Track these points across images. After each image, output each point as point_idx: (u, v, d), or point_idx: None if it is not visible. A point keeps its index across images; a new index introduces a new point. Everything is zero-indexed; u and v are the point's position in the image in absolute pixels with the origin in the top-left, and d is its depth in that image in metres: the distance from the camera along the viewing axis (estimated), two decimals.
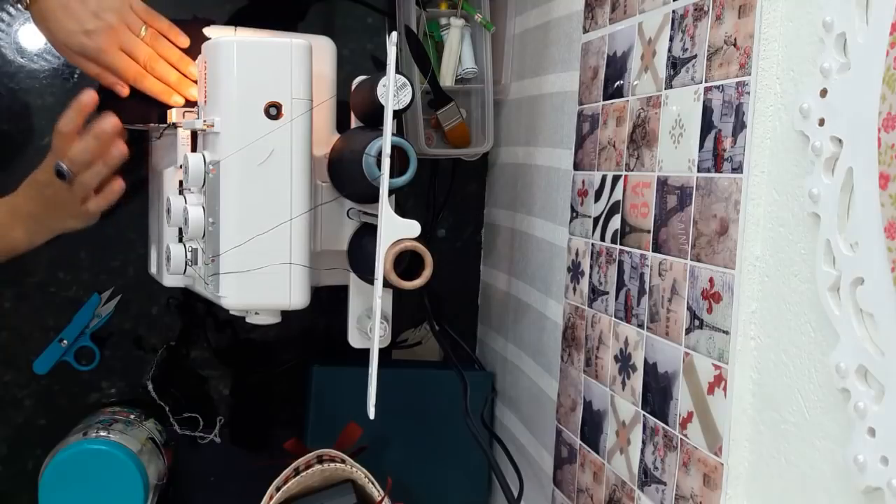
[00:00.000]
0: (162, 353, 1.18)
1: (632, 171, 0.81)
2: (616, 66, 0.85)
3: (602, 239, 0.87)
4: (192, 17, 1.07)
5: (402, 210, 0.91)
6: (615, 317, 0.84)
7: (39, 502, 1.00)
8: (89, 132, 0.97)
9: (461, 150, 1.18)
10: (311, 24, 1.18)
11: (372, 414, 0.77)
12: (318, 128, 0.90)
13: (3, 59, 1.11)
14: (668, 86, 0.75)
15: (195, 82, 1.00)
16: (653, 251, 0.77)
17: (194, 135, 0.95)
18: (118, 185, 1.00)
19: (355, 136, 0.89)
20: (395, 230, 0.79)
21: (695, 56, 0.71)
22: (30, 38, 1.11)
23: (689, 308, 0.71)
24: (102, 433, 1.04)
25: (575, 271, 0.93)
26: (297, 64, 0.85)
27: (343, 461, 1.05)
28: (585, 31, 0.92)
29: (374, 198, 0.80)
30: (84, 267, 1.15)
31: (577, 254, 0.93)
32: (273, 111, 0.84)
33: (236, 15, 1.15)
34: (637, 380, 0.79)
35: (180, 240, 0.94)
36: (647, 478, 0.77)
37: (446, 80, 1.16)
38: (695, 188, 0.71)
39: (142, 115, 1.01)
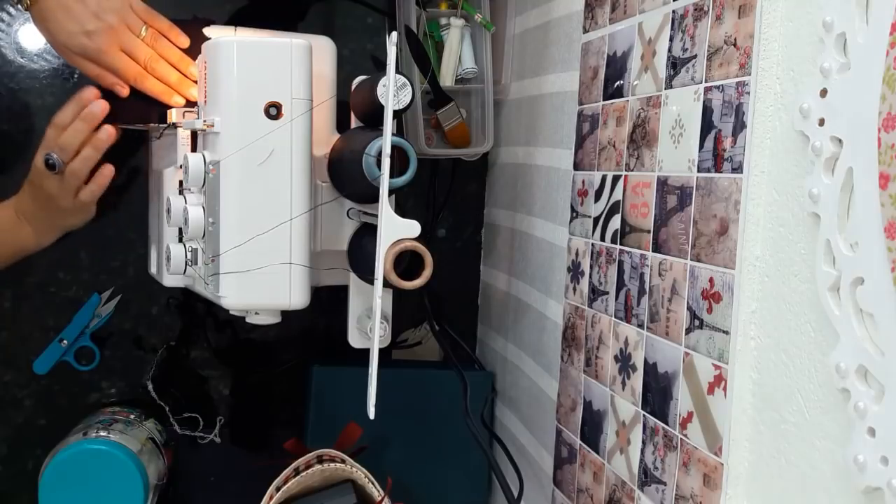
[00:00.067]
0: (162, 353, 1.18)
1: (632, 171, 0.81)
2: (616, 66, 0.85)
3: (602, 239, 0.87)
4: (192, 17, 1.07)
5: (402, 210, 0.91)
6: (615, 317, 0.84)
7: (39, 502, 1.00)
8: (78, 118, 0.97)
9: (461, 150, 1.18)
10: (311, 24, 1.18)
11: (372, 414, 0.77)
12: (318, 128, 0.90)
13: (3, 59, 1.11)
14: (668, 86, 0.75)
15: (195, 82, 1.00)
16: (653, 251, 0.77)
17: (194, 135, 0.95)
18: (108, 170, 1.00)
19: (355, 136, 0.89)
20: (395, 230, 0.79)
21: (695, 56, 0.71)
22: (30, 38, 1.11)
23: (689, 308, 0.71)
24: (102, 433, 1.04)
25: (575, 271, 0.93)
26: (297, 64, 0.85)
27: (343, 461, 1.05)
28: (585, 31, 0.92)
29: (374, 198, 0.80)
30: (84, 267, 1.15)
31: (577, 254, 0.93)
32: (273, 111, 0.84)
33: (236, 15, 1.15)
34: (637, 380, 0.79)
35: (180, 240, 0.94)
36: (647, 478, 0.77)
37: (446, 80, 1.16)
38: (695, 188, 0.71)
39: (142, 115, 1.01)
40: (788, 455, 0.62)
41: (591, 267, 0.89)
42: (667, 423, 0.74)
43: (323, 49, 0.97)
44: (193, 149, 0.94)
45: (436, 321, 1.17)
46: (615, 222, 0.84)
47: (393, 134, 0.78)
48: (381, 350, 0.80)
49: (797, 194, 0.61)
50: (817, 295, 0.58)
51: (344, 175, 0.90)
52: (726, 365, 0.66)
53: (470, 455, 1.16)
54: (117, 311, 1.16)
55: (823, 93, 0.58)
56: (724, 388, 0.67)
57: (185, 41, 1.01)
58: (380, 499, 1.02)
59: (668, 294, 0.74)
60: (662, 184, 0.76)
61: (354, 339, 1.01)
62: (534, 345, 1.07)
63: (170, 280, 0.99)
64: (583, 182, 0.92)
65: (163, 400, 1.16)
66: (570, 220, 0.95)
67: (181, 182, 0.95)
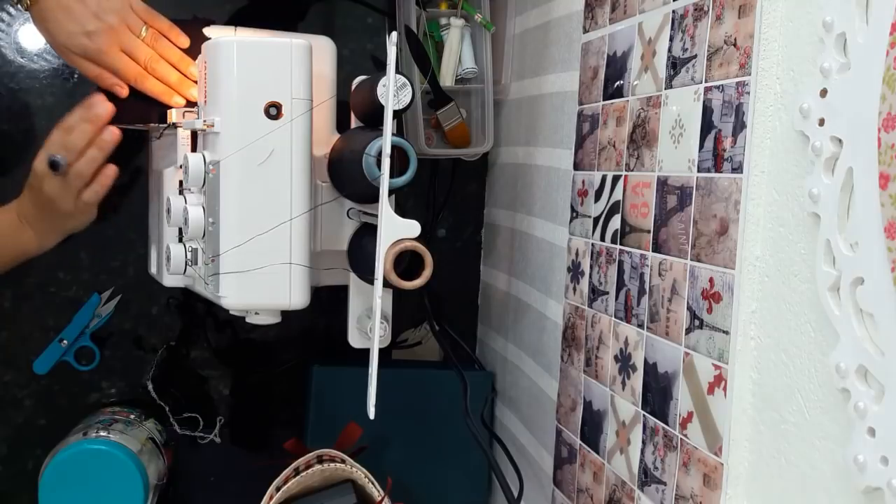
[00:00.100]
0: (162, 353, 1.18)
1: (632, 171, 0.81)
2: (616, 66, 0.85)
3: (602, 239, 0.87)
4: (192, 17, 1.07)
5: (402, 210, 0.91)
6: (615, 317, 0.84)
7: (39, 502, 1.00)
8: (82, 118, 0.97)
9: (461, 150, 1.18)
10: (311, 24, 1.18)
11: (372, 414, 0.77)
12: (318, 128, 0.90)
13: (3, 59, 1.11)
14: (668, 86, 0.75)
15: (196, 83, 1.00)
16: (653, 251, 0.77)
17: (194, 135, 0.95)
18: (111, 171, 1.00)
19: (355, 136, 0.89)
20: (395, 230, 0.79)
21: (695, 56, 0.71)
22: (30, 38, 1.11)
23: (689, 308, 0.71)
24: (102, 433, 1.04)
25: (575, 271, 0.93)
26: (297, 64, 0.85)
27: (343, 461, 1.05)
28: (585, 31, 0.92)
29: (374, 198, 0.80)
30: (84, 267, 1.15)
31: (577, 254, 0.93)
32: (273, 111, 0.84)
33: (236, 15, 1.15)
34: (637, 380, 0.79)
35: (180, 240, 0.94)
36: (647, 478, 0.77)
37: (446, 80, 1.16)
38: (695, 188, 0.71)
39: (142, 115, 1.01)
40: (788, 455, 0.62)
41: (591, 267, 0.89)
42: (667, 423, 0.74)
43: (323, 49, 0.97)
44: (193, 149, 0.94)
45: (436, 321, 1.17)
46: (615, 222, 0.84)
47: (393, 134, 0.78)
48: (381, 350, 0.80)
49: (797, 194, 0.61)
50: (817, 295, 0.58)
51: (344, 175, 0.90)
52: (726, 365, 0.66)
53: (470, 455, 1.16)
54: (117, 311, 1.16)
55: (823, 93, 0.58)
56: (724, 388, 0.67)
57: (185, 41, 1.01)
58: (380, 499, 1.02)
59: (668, 294, 0.74)
60: (662, 184, 0.76)
61: (354, 339, 1.01)
62: (534, 345, 1.07)
63: (170, 280, 0.99)
64: (583, 182, 0.92)
65: (163, 400, 1.16)
66: (570, 220, 0.95)
67: (181, 182, 0.95)
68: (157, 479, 1.08)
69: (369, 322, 0.97)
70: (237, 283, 0.85)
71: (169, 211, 0.90)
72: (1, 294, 1.14)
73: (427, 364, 1.26)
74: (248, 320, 0.92)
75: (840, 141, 0.56)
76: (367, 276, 0.90)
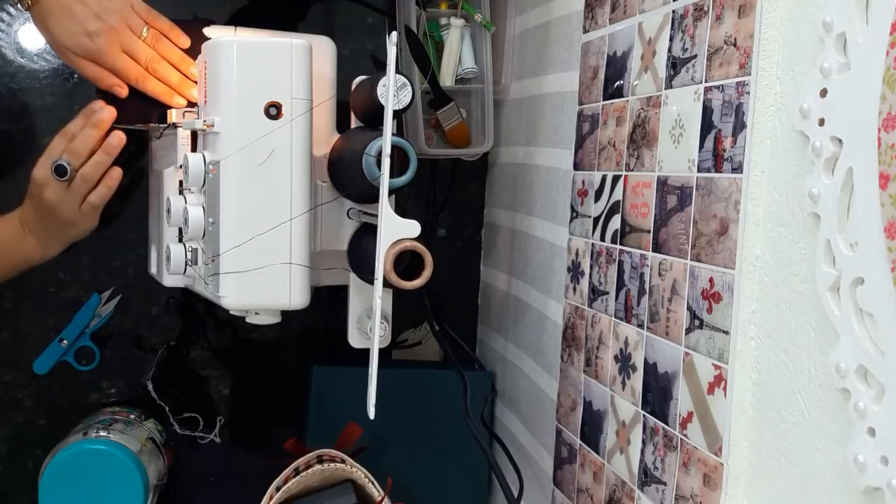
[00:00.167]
0: (162, 353, 1.18)
1: (632, 171, 0.81)
2: (616, 66, 0.85)
3: (602, 239, 0.87)
4: (192, 17, 1.08)
5: (402, 210, 0.91)
6: (615, 317, 0.84)
7: (39, 502, 1.00)
8: (87, 124, 0.98)
9: (461, 150, 1.18)
10: (311, 24, 1.18)
11: (372, 414, 0.77)
12: (318, 128, 0.90)
13: (3, 59, 1.11)
14: (668, 86, 0.75)
15: (196, 83, 1.00)
16: (653, 251, 0.77)
17: (194, 135, 0.95)
18: (117, 173, 1.01)
19: (355, 136, 0.89)
20: (395, 230, 0.79)
21: (695, 56, 0.71)
22: (30, 38, 1.11)
23: (689, 308, 0.71)
24: (102, 433, 1.04)
25: (575, 271, 0.93)
26: (297, 64, 0.85)
27: (343, 461, 1.05)
28: (585, 31, 0.92)
29: (374, 198, 0.80)
30: (84, 267, 1.15)
31: (577, 254, 0.93)
32: (273, 111, 0.84)
33: (236, 15, 1.15)
34: (637, 380, 0.79)
35: (180, 240, 0.94)
36: (647, 478, 0.77)
37: (446, 80, 1.16)
38: (695, 188, 0.71)
39: (142, 115, 1.01)
40: (788, 455, 0.62)
41: (591, 267, 0.89)
42: (667, 423, 0.74)
43: (323, 49, 0.97)
44: (193, 149, 0.94)
45: (436, 321, 1.17)
46: (615, 222, 0.84)
47: (393, 134, 0.78)
48: (381, 350, 0.80)
49: (797, 194, 0.61)
50: (817, 295, 0.58)
51: (344, 175, 0.90)
52: (726, 365, 0.67)
53: (470, 455, 1.16)
54: (117, 311, 1.16)
55: (823, 93, 0.58)
56: (724, 388, 0.67)
57: (186, 42, 1.01)
58: (380, 499, 1.02)
59: (668, 294, 0.74)
60: (662, 184, 0.76)
61: (354, 339, 1.01)
62: (534, 345, 1.07)
63: (170, 280, 0.99)
64: (583, 182, 0.92)
65: (163, 400, 1.16)
66: (570, 220, 0.95)
67: (181, 182, 0.95)
68: (157, 479, 1.08)
69: (369, 322, 0.97)
70: (237, 283, 0.85)
71: (169, 211, 0.90)
72: (1, 294, 1.14)
73: (427, 364, 1.26)
74: (248, 320, 0.92)
75: (840, 141, 0.56)
76: (367, 276, 0.90)
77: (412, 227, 0.79)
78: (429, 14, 1.16)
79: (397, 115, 0.85)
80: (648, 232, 0.78)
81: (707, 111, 0.69)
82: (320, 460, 1.06)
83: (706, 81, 0.70)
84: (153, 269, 1.10)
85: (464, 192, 1.27)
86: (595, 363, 0.88)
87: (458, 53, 1.16)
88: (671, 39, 0.75)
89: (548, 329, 1.02)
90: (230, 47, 0.85)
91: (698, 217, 0.70)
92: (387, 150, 0.77)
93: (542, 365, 1.04)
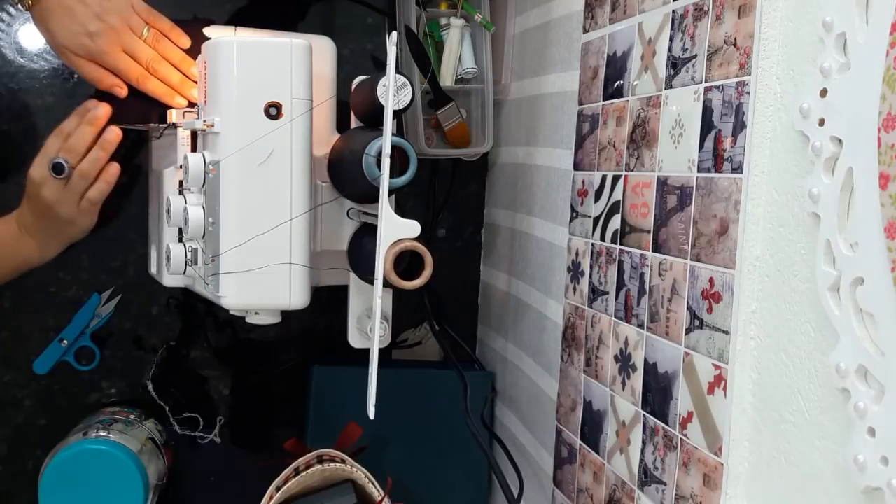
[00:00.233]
0: (162, 353, 1.18)
1: (632, 171, 0.81)
2: (616, 66, 0.85)
3: (602, 239, 0.87)
4: (192, 17, 1.08)
5: (402, 210, 0.91)
6: (615, 317, 0.84)
7: (39, 502, 1.00)
8: (82, 121, 0.98)
9: (461, 150, 1.18)
10: (311, 24, 1.18)
11: (372, 414, 0.77)
12: (318, 128, 0.90)
13: (3, 59, 1.11)
14: (668, 86, 0.75)
15: (197, 83, 1.00)
16: (653, 251, 0.77)
17: (194, 135, 0.95)
18: (115, 168, 1.01)
19: (355, 136, 0.89)
20: (395, 230, 0.79)
21: (695, 56, 0.71)
22: (30, 38, 1.11)
23: (689, 308, 0.71)
24: (102, 433, 1.04)
25: (575, 271, 0.93)
26: (297, 64, 0.85)
27: (343, 461, 1.05)
28: (585, 31, 0.92)
29: (374, 198, 0.80)
30: (84, 267, 1.15)
31: (577, 254, 0.93)
32: (273, 111, 0.84)
33: (236, 15, 1.15)
34: (637, 380, 0.79)
35: (180, 240, 0.94)
36: (647, 478, 0.77)
37: (446, 80, 1.16)
38: (695, 188, 0.71)
39: (142, 115, 1.01)
40: (788, 455, 0.62)
41: (591, 267, 0.89)
42: (667, 423, 0.74)
43: (323, 49, 0.97)
44: (193, 149, 0.94)
45: (436, 321, 1.17)
46: (615, 222, 0.84)
47: (393, 134, 0.78)
48: (381, 350, 0.80)
49: (797, 194, 0.61)
50: (817, 295, 0.58)
51: (344, 175, 0.90)
52: (726, 365, 0.66)
53: (470, 455, 1.16)
54: (117, 311, 1.16)
55: (823, 93, 0.58)
56: (724, 388, 0.67)
57: (186, 42, 1.01)
58: (380, 499, 1.02)
59: (668, 294, 0.74)
60: (662, 184, 0.76)
61: (354, 339, 1.01)
62: (534, 345, 1.07)
63: (170, 280, 0.99)
64: (583, 182, 0.92)
65: (163, 400, 1.16)
66: (570, 220, 0.95)
67: (181, 182, 0.95)
68: (157, 479, 1.08)
69: (369, 322, 0.97)
70: (237, 283, 0.85)
71: (169, 211, 0.90)
72: (1, 294, 1.14)
73: (427, 364, 1.26)
74: (248, 320, 0.92)
75: (840, 141, 0.56)
76: (367, 276, 0.90)
77: (412, 227, 0.79)
78: (429, 14, 1.16)
79: (397, 115, 0.85)
80: (648, 232, 0.78)
81: (707, 111, 0.69)
82: (320, 460, 1.06)
83: (706, 81, 0.70)
84: (153, 269, 1.10)
85: (464, 192, 1.27)
86: (595, 363, 0.88)
87: (458, 53, 1.16)
88: (671, 39, 0.75)
89: (548, 329, 1.02)
90: (230, 47, 0.85)
91: (698, 217, 0.70)
92: (387, 150, 0.77)
93: (542, 365, 1.04)
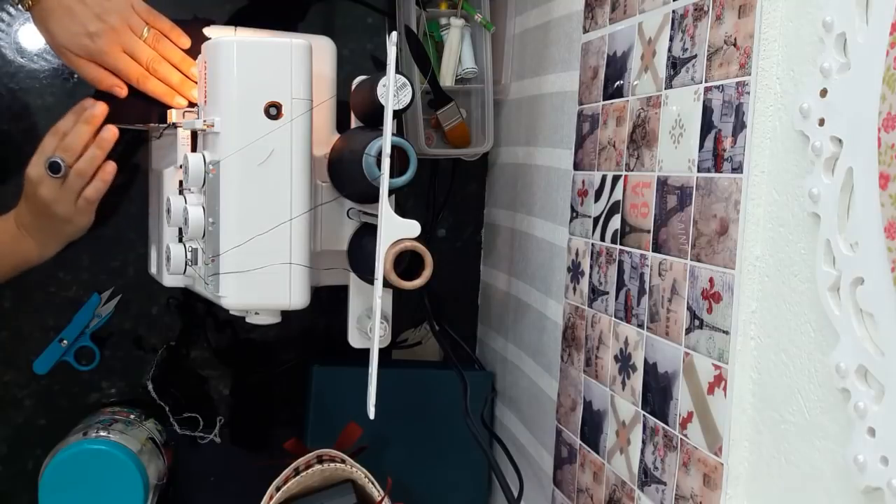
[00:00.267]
0: (162, 353, 1.18)
1: (632, 171, 0.81)
2: (616, 66, 0.85)
3: (602, 239, 0.87)
4: (192, 17, 1.08)
5: (402, 210, 0.91)
6: (615, 317, 0.84)
7: (39, 502, 1.00)
8: (79, 120, 0.98)
9: (461, 150, 1.18)
10: (311, 24, 1.18)
11: (372, 414, 0.77)
12: (318, 128, 0.90)
13: (3, 59, 1.11)
14: (668, 86, 0.75)
15: (197, 83, 1.00)
16: (653, 251, 0.77)
17: (194, 135, 0.95)
18: (111, 167, 1.01)
19: (355, 136, 0.89)
20: (395, 230, 0.79)
21: (695, 56, 0.71)
22: (30, 38, 1.11)
23: (689, 308, 0.71)
24: (102, 433, 1.04)
25: (575, 271, 0.93)
26: (297, 64, 0.85)
27: (343, 461, 1.05)
28: (585, 31, 0.92)
29: (374, 198, 0.80)
30: (84, 267, 1.15)
31: (577, 254, 0.93)
32: (273, 111, 0.84)
33: (236, 15, 1.15)
34: (637, 380, 0.79)
35: (180, 240, 0.94)
36: (647, 478, 0.77)
37: (446, 80, 1.16)
38: (695, 188, 0.71)
39: (142, 115, 1.01)
40: (788, 455, 0.62)
41: (591, 267, 0.89)
42: (667, 423, 0.74)
43: (323, 49, 0.97)
44: (193, 149, 0.94)
45: (436, 321, 1.17)
46: (615, 222, 0.84)
47: (393, 134, 0.78)
48: (381, 350, 0.80)
49: (797, 194, 0.61)
50: (817, 295, 0.58)
51: (344, 175, 0.90)
52: (726, 365, 0.66)
53: (470, 455, 1.16)
54: (117, 311, 1.16)
55: (823, 93, 0.58)
56: (724, 388, 0.67)
57: (186, 42, 1.01)
58: (380, 499, 1.02)
59: (668, 294, 0.74)
60: (662, 184, 0.76)
61: (354, 339, 1.01)
62: (534, 345, 1.07)
63: (170, 280, 0.99)
64: (583, 182, 0.92)
65: (163, 400, 1.16)
66: (570, 220, 0.95)
67: (181, 182, 0.95)
68: (157, 479, 1.08)
69: (369, 322, 0.97)
70: (237, 283, 0.85)
71: (169, 211, 0.90)
72: (1, 294, 1.14)
73: (427, 364, 1.26)
74: (248, 320, 0.92)
75: (840, 141, 0.56)
76: (367, 276, 0.90)
77: (412, 227, 0.79)
78: (429, 14, 1.16)
79: (397, 115, 0.85)
80: (648, 232, 0.78)
81: (707, 111, 0.69)
82: (320, 460, 1.06)
83: (706, 81, 0.70)
84: (153, 269, 1.10)
85: (464, 192, 1.27)
86: (595, 363, 0.88)
87: (458, 53, 1.16)
88: (671, 39, 0.75)
89: (548, 329, 1.02)
90: (230, 47, 0.85)
91: (698, 217, 0.70)
92: (387, 150, 0.77)
93: (542, 365, 1.04)
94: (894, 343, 0.52)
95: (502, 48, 1.16)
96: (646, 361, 0.78)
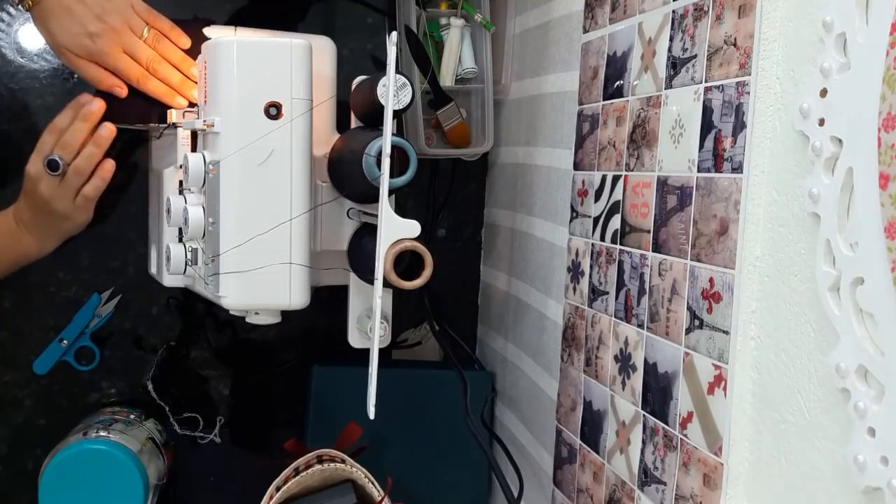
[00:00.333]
0: (162, 353, 1.18)
1: (632, 171, 0.81)
2: (616, 66, 0.85)
3: (602, 239, 0.87)
4: (192, 17, 1.08)
5: (402, 210, 0.91)
6: (615, 317, 0.84)
7: (39, 502, 1.00)
8: (76, 117, 0.98)
9: (461, 150, 1.18)
10: (311, 24, 1.18)
11: (372, 414, 0.77)
12: (318, 128, 0.90)
13: (3, 59, 1.11)
14: (668, 86, 0.75)
15: (197, 83, 1.00)
16: (653, 251, 0.77)
17: (194, 135, 0.95)
18: (110, 165, 1.01)
19: (355, 136, 0.89)
20: (395, 230, 0.79)
21: (695, 56, 0.71)
22: (30, 38, 1.11)
23: (689, 308, 0.71)
24: (102, 433, 1.04)
25: (575, 271, 0.93)
26: (297, 64, 0.85)
27: (343, 461, 1.05)
28: (585, 31, 0.92)
29: (374, 198, 0.80)
30: (84, 267, 1.15)
31: (577, 254, 0.93)
32: (273, 111, 0.84)
33: (236, 15, 1.15)
34: (637, 380, 0.79)
35: (180, 240, 0.94)
36: (647, 478, 0.77)
37: (446, 80, 1.16)
38: (695, 188, 0.71)
39: (142, 114, 1.01)
40: (788, 455, 0.62)
41: (591, 267, 0.89)
42: (667, 423, 0.74)
43: (323, 49, 0.97)
44: (193, 149, 0.94)
45: (436, 321, 1.17)
46: (615, 222, 0.84)
47: (393, 134, 0.78)
48: (381, 350, 0.80)
49: (797, 194, 0.61)
50: (817, 295, 0.58)
51: (344, 175, 0.90)
52: (726, 365, 0.67)
53: (470, 455, 1.16)
54: (117, 311, 1.16)
55: (823, 93, 0.58)
56: (724, 388, 0.67)
57: (186, 42, 1.01)
58: (380, 499, 1.02)
59: (668, 294, 0.74)
60: (662, 184, 0.76)
61: (354, 339, 1.01)
62: (534, 345, 1.07)
63: (170, 280, 0.99)
64: (583, 182, 0.92)
65: (163, 400, 1.16)
66: (570, 220, 0.95)
67: (181, 182, 0.95)
68: (157, 479, 1.08)
69: (369, 322, 0.97)
70: (237, 283, 0.85)
71: (169, 211, 0.90)
72: (1, 294, 1.14)
73: (427, 364, 1.26)
74: (248, 320, 0.92)
75: (840, 141, 0.56)
76: (367, 276, 0.90)
77: (412, 227, 0.79)
78: (429, 14, 1.16)
79: (397, 115, 0.85)
80: (648, 232, 0.78)
81: (707, 111, 0.69)
82: (320, 460, 1.06)
83: (706, 81, 0.70)
84: (153, 269, 1.10)
85: (464, 192, 1.27)
86: (595, 363, 0.88)
87: (458, 53, 1.16)
88: (671, 39, 0.75)
89: (548, 329, 1.02)
90: (230, 47, 0.85)
91: (698, 217, 0.70)
92: (387, 150, 0.77)
93: (542, 365, 1.04)
94: (894, 343, 0.52)
95: (502, 48, 1.16)
96: (646, 361, 0.78)
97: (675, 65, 0.74)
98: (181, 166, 0.91)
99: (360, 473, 1.04)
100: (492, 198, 1.26)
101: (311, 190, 0.87)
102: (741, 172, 0.65)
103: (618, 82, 0.84)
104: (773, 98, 0.64)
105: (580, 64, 0.93)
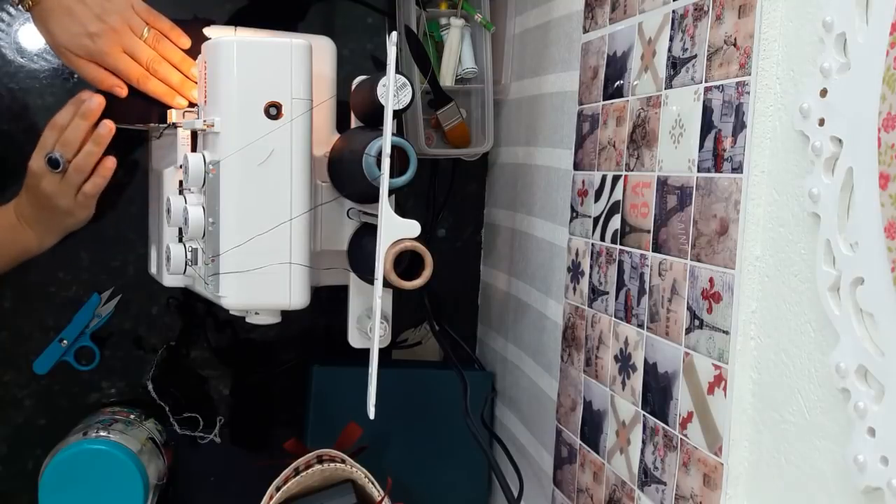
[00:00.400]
0: (162, 353, 1.18)
1: (632, 171, 0.81)
2: (616, 66, 0.85)
3: (602, 239, 0.87)
4: (192, 17, 1.08)
5: (402, 210, 0.91)
6: (615, 317, 0.84)
7: (39, 502, 1.00)
8: (76, 114, 0.98)
9: (461, 150, 1.18)
10: (311, 24, 1.18)
11: (372, 414, 0.77)
12: (318, 128, 0.90)
13: (3, 59, 1.11)
14: (668, 86, 0.75)
15: (197, 83, 1.00)
16: (653, 251, 0.77)
17: (194, 135, 0.95)
18: (111, 162, 1.01)
19: (355, 136, 0.89)
20: (395, 230, 0.79)
21: (695, 56, 0.71)
22: (30, 38, 1.11)
23: (689, 308, 0.71)
24: (102, 433, 1.04)
25: (575, 271, 0.93)
26: (297, 64, 0.85)
27: (343, 461, 1.05)
28: (585, 31, 0.92)
29: (374, 198, 0.80)
30: (84, 267, 1.15)
31: (577, 254, 0.93)
32: (273, 111, 0.84)
33: (236, 15, 1.15)
34: (637, 380, 0.79)
35: (180, 240, 0.94)
36: (647, 478, 0.77)
37: (446, 80, 1.16)
38: (695, 188, 0.71)
39: (142, 114, 1.01)
40: (788, 455, 0.62)
41: (591, 267, 0.89)
42: (667, 423, 0.74)
43: (323, 49, 0.97)
44: (193, 149, 0.94)
45: (436, 321, 1.17)
46: (615, 222, 0.84)
47: (393, 134, 0.78)
48: (381, 350, 0.80)
49: (797, 194, 0.61)
50: (817, 295, 0.58)
51: (344, 175, 0.90)
52: (726, 365, 0.67)
53: (470, 455, 1.16)
54: (117, 311, 1.16)
55: (823, 93, 0.58)
56: (724, 388, 0.67)
57: (186, 42, 1.01)
58: (380, 499, 1.02)
59: (668, 294, 0.74)
60: (662, 184, 0.76)
61: (354, 339, 1.01)
62: (534, 345, 1.07)
63: (170, 280, 0.99)
64: (583, 182, 0.92)
65: (163, 400, 1.16)
66: (570, 220, 0.95)
67: (181, 182, 0.95)
68: (157, 479, 1.08)
69: (369, 322, 0.97)
70: (237, 283, 0.85)
71: (169, 211, 0.90)
72: (1, 294, 1.14)
73: (427, 364, 1.26)
74: (248, 320, 0.92)
75: (840, 141, 0.56)
76: (367, 276, 0.90)
77: (412, 227, 0.79)
78: (429, 14, 1.16)
79: (397, 115, 0.85)
80: (648, 232, 0.78)
81: (707, 111, 0.69)
82: (320, 460, 1.06)
83: (706, 81, 0.70)
84: (153, 269, 1.10)
85: (464, 192, 1.27)
86: (595, 363, 0.88)
87: (458, 53, 1.16)
88: (671, 39, 0.75)
89: (548, 329, 1.02)
90: (230, 47, 0.85)
91: (698, 217, 0.70)
92: (387, 150, 0.77)
93: (542, 365, 1.04)
94: (894, 343, 0.52)
95: (502, 48, 1.16)
96: (646, 361, 0.78)
97: (675, 65, 0.74)
98: (181, 166, 0.91)
99: (360, 473, 1.04)
100: (492, 198, 1.26)
101: (311, 190, 0.87)
102: (741, 172, 0.65)
103: (618, 82, 0.84)
104: (773, 98, 0.64)
105: (580, 64, 0.93)
